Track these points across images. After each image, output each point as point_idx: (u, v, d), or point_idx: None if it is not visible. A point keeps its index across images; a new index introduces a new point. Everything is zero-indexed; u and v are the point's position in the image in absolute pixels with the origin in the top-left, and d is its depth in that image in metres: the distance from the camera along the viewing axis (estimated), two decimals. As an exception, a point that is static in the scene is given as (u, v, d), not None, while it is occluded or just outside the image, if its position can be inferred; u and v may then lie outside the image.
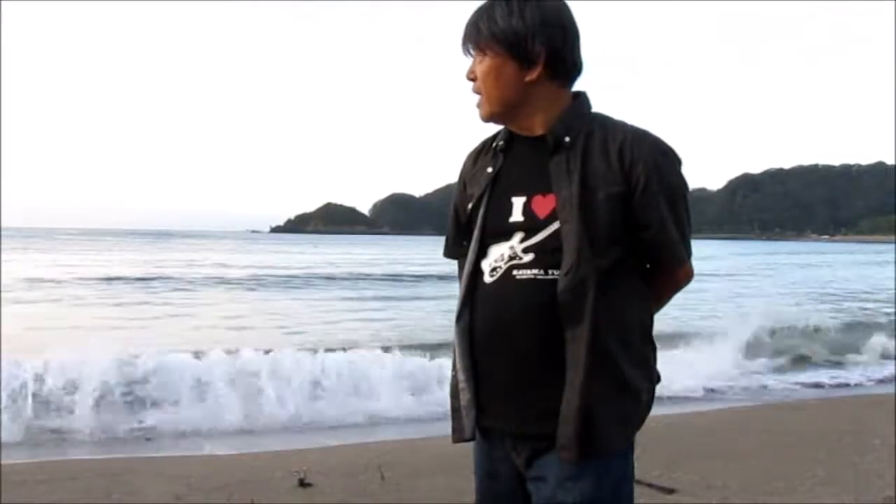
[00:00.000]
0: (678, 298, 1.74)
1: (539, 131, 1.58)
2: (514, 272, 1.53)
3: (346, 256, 46.64)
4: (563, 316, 1.47)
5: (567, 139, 1.54)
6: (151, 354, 7.34)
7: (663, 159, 1.54)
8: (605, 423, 1.49)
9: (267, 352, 7.76)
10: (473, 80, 1.59)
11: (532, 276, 1.51)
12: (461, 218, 1.70)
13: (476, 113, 1.62)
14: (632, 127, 1.57)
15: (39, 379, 6.58)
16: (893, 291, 21.44)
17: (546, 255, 1.51)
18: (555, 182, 1.52)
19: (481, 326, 1.58)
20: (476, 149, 1.74)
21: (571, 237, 1.47)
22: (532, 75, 1.55)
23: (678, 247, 1.57)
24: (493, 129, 1.70)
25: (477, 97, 1.61)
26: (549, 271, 1.50)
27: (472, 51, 1.59)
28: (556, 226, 1.51)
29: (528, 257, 1.53)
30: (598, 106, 1.63)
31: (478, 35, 1.56)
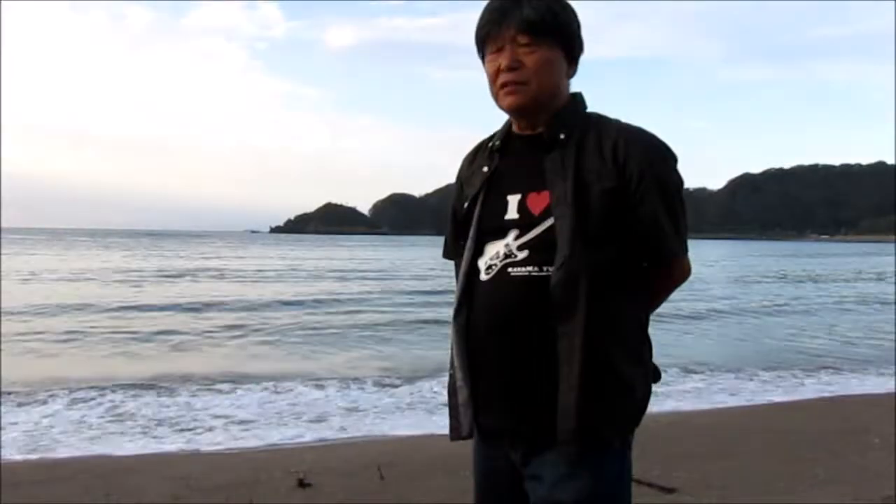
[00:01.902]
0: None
1: (540, 129, 1.59)
2: (510, 269, 1.53)
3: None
4: (556, 310, 1.47)
5: (562, 136, 1.55)
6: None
7: (657, 156, 1.55)
8: (602, 419, 1.49)
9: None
10: (516, 68, 1.54)
11: (527, 274, 1.51)
12: (459, 218, 1.70)
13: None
14: (626, 124, 1.58)
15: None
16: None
17: (540, 251, 1.51)
18: (549, 179, 1.53)
19: (478, 324, 1.58)
20: (472, 151, 1.75)
21: (565, 232, 1.48)
22: (572, 72, 1.60)
23: (673, 242, 1.56)
24: (495, 124, 1.72)
25: (490, 86, 1.59)
26: (544, 268, 1.50)
27: (520, 37, 1.53)
28: (550, 222, 1.51)
29: (523, 254, 1.53)
30: (594, 106, 1.65)
31: (541, 21, 1.52)
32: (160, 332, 12.89)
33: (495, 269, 1.56)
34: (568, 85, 1.62)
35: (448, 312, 1.67)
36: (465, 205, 1.66)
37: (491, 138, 1.70)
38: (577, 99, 1.63)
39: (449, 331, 1.66)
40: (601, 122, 1.58)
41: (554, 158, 1.54)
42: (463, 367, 1.61)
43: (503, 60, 1.55)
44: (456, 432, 1.65)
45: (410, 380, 8.47)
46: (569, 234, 1.47)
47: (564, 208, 1.48)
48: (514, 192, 1.58)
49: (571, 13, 1.59)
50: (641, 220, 1.51)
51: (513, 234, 1.55)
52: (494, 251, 1.57)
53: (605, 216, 1.49)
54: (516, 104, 1.57)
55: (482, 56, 1.62)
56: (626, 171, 1.50)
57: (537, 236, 1.52)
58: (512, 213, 1.56)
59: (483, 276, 1.58)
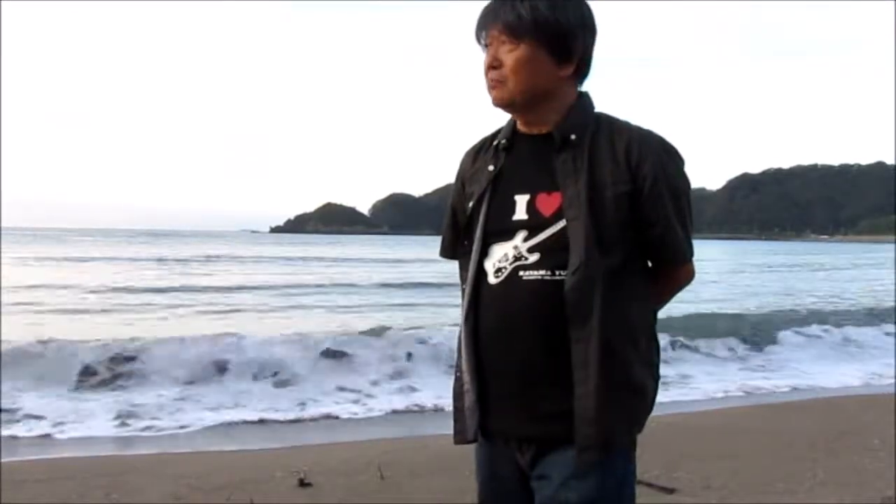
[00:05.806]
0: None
1: (546, 128, 1.57)
2: (521, 273, 1.52)
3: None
4: (571, 315, 1.46)
5: (573, 137, 1.53)
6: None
7: (669, 159, 1.54)
8: (617, 423, 1.49)
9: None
10: (497, 67, 1.53)
11: (539, 278, 1.50)
12: (459, 217, 1.68)
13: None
14: (636, 126, 1.57)
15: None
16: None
17: (552, 255, 1.49)
18: (561, 180, 1.51)
19: (488, 327, 1.56)
20: (475, 147, 1.71)
21: (579, 235, 1.46)
22: (567, 71, 1.55)
23: (683, 245, 1.57)
24: (494, 124, 1.69)
25: (484, 80, 1.57)
26: (557, 272, 1.49)
27: (501, 36, 1.52)
28: (561, 224, 1.49)
29: (534, 257, 1.51)
30: (600, 105, 1.63)
31: (518, 22, 1.51)
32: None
33: (505, 271, 1.54)
34: (571, 84, 1.58)
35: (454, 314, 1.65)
36: (470, 204, 1.63)
37: (495, 136, 1.67)
38: (585, 98, 1.60)
39: (459, 333, 1.63)
40: (612, 124, 1.56)
41: (565, 159, 1.52)
42: (471, 371, 1.59)
43: (486, 58, 1.57)
44: (461, 436, 1.63)
45: (412, 380, 8.46)
46: (583, 238, 1.46)
47: (577, 210, 1.47)
48: (521, 192, 1.56)
49: (570, 11, 1.53)
50: (654, 224, 1.51)
51: (521, 235, 1.53)
52: (502, 253, 1.55)
53: (618, 219, 1.48)
54: (496, 100, 1.58)
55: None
56: (640, 173, 1.49)
57: (548, 238, 1.51)
58: (520, 214, 1.54)
59: (492, 279, 1.56)
